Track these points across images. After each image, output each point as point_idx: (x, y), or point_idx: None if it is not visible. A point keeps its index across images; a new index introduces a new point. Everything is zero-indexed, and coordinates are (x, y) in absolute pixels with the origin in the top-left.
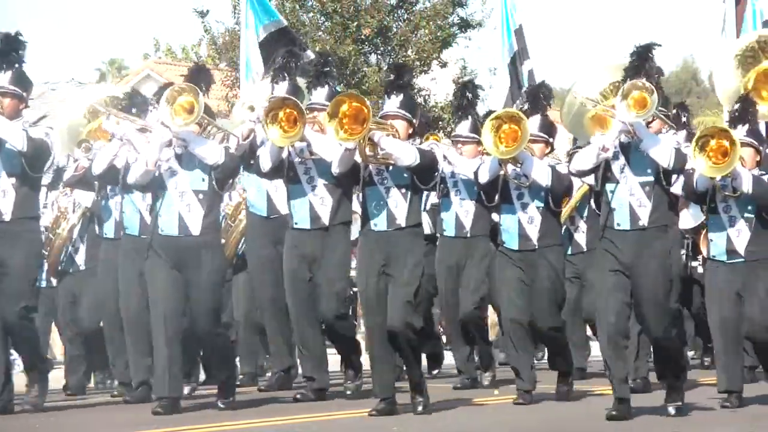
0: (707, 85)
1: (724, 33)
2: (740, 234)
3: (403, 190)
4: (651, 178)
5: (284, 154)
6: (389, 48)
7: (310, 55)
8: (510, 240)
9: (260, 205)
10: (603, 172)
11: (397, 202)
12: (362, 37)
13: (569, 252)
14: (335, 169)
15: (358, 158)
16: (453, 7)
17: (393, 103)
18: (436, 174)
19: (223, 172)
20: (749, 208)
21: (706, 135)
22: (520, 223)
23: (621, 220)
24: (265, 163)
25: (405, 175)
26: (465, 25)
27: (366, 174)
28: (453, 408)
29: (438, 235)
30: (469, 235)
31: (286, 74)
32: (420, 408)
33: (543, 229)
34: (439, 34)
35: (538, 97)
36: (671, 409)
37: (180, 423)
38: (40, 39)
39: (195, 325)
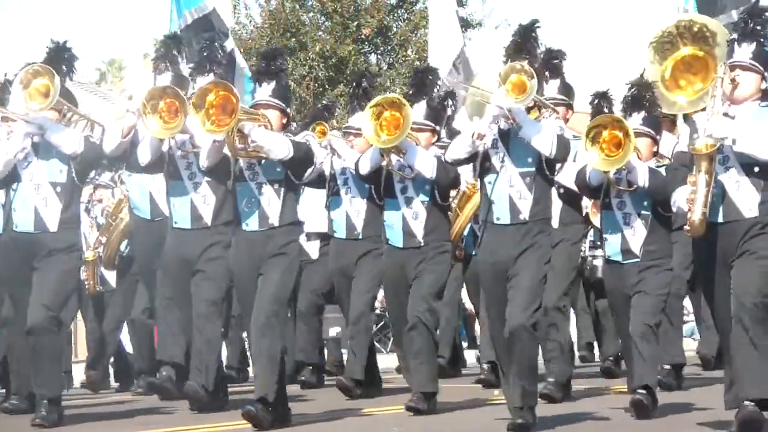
0: None
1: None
2: (636, 232)
3: (276, 186)
4: (532, 169)
5: (165, 148)
6: (389, 48)
7: (230, 44)
8: (394, 237)
9: (143, 207)
10: (482, 162)
11: (270, 200)
12: (362, 37)
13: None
14: (203, 163)
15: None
16: None
17: (264, 92)
18: (312, 168)
19: (81, 163)
20: (645, 204)
21: (598, 125)
22: (405, 219)
23: (501, 214)
24: (144, 156)
25: (278, 169)
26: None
27: (237, 169)
28: (452, 408)
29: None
30: (360, 236)
31: (208, 66)
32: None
33: (429, 226)
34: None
35: (424, 83)
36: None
37: (179, 423)
38: (40, 38)
39: (28, 317)
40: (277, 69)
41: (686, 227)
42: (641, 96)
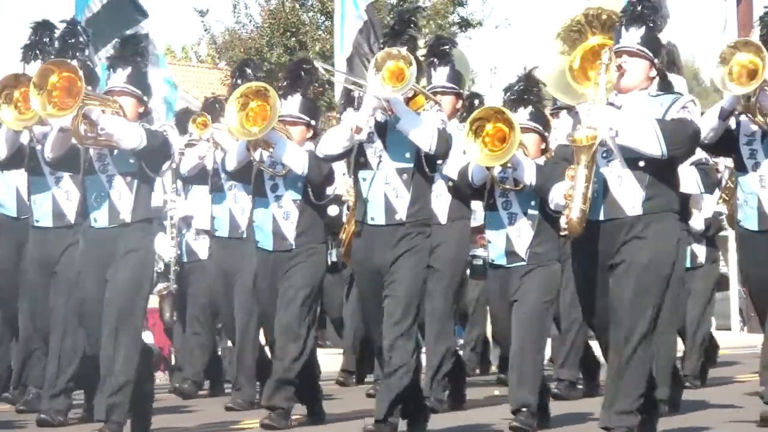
0: (708, 85)
1: (726, 32)
2: (521, 233)
3: (129, 179)
4: (410, 165)
5: (26, 140)
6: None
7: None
8: (263, 239)
9: (9, 204)
10: (356, 157)
11: (121, 194)
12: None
13: None
14: (47, 154)
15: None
16: (453, 6)
17: (119, 78)
18: (168, 160)
19: None
20: (532, 203)
21: (481, 118)
22: (275, 219)
23: (375, 214)
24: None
25: (131, 161)
26: (465, 24)
27: (86, 160)
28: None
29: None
30: (245, 235)
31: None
32: None
33: (301, 226)
34: (439, 33)
35: (299, 75)
36: None
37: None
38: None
39: None
40: (133, 54)
41: (563, 225)
42: (528, 91)
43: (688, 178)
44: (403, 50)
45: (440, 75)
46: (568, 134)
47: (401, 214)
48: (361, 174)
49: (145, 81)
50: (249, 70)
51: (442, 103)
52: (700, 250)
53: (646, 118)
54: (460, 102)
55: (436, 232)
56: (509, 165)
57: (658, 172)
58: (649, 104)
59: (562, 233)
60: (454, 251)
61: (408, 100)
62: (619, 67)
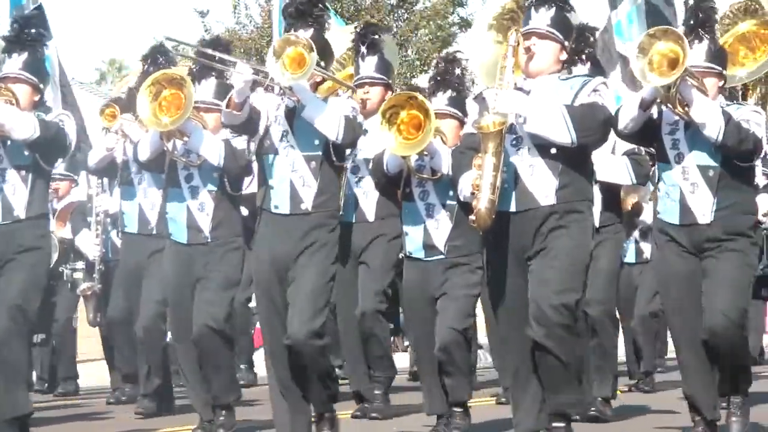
0: None
1: None
2: (440, 225)
3: (24, 173)
4: (318, 152)
5: None
6: None
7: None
8: (177, 232)
9: None
10: (260, 140)
11: (15, 188)
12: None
13: None
14: None
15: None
16: (453, 6)
17: (14, 64)
18: (65, 153)
19: None
20: (450, 193)
21: (394, 105)
22: (189, 211)
23: (279, 202)
24: None
25: (26, 153)
26: (465, 24)
27: None
28: None
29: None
30: (155, 231)
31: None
32: None
33: (217, 218)
34: (439, 33)
35: (213, 58)
36: None
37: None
38: None
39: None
40: (31, 39)
41: (471, 218)
42: (448, 73)
43: (620, 169)
44: (302, 35)
45: (368, 65)
46: (474, 121)
47: (307, 204)
48: (267, 159)
49: (42, 67)
50: (161, 58)
51: (370, 93)
52: (647, 247)
53: (554, 104)
54: (390, 93)
55: (364, 229)
56: (426, 153)
57: (571, 160)
58: (558, 88)
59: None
60: (383, 249)
61: (316, 86)
62: (528, 50)
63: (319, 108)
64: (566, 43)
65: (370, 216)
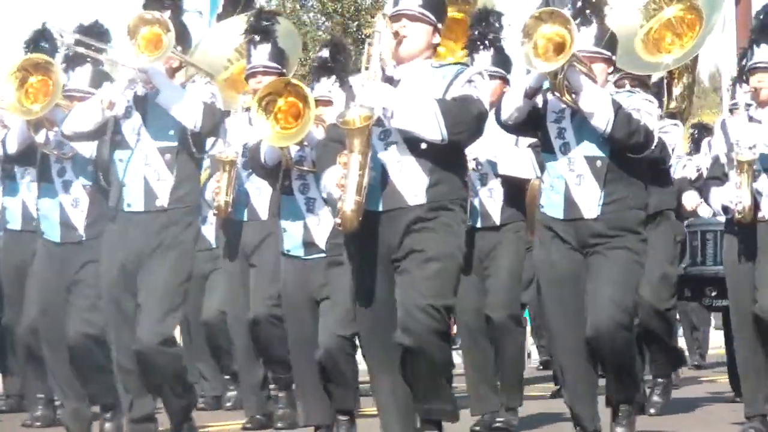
0: (707, 85)
1: (724, 31)
2: (321, 221)
3: None
4: (174, 143)
5: None
6: None
7: None
8: (50, 230)
9: None
10: (112, 135)
11: None
12: (362, 37)
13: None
14: None
15: None
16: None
17: None
18: None
19: None
20: None
21: (270, 93)
22: (62, 207)
23: (133, 199)
24: None
25: None
26: None
27: None
28: None
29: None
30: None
31: None
32: None
33: (93, 215)
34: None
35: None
36: None
37: None
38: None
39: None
40: None
41: (337, 219)
42: (333, 59)
43: (523, 162)
44: (159, 14)
45: (261, 53)
46: (339, 115)
47: (163, 200)
48: (118, 154)
49: None
50: (45, 44)
51: (263, 83)
52: None
53: (424, 97)
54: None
55: (256, 228)
56: (305, 143)
57: (442, 157)
58: (430, 77)
59: (337, 225)
60: (275, 249)
61: (174, 71)
62: (397, 34)
63: (176, 94)
64: (439, 26)
65: (263, 214)
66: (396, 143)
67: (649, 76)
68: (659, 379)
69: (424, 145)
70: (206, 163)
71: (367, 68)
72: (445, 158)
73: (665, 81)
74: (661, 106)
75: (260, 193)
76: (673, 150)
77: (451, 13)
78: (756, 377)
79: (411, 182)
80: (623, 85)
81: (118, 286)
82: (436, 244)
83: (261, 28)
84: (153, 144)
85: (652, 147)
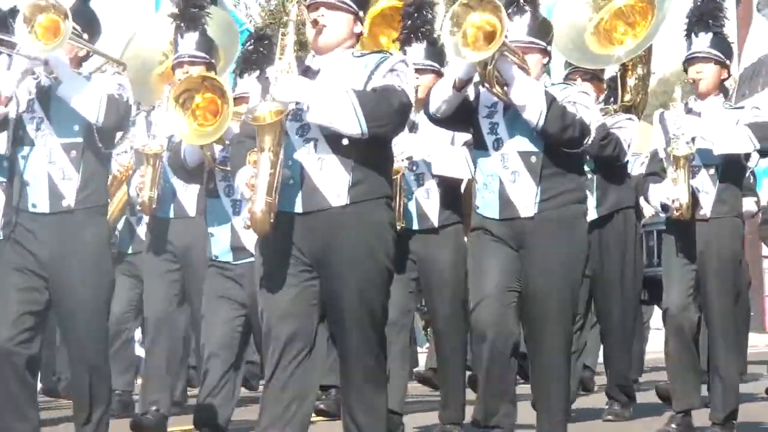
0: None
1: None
2: None
3: None
4: (79, 139)
5: None
6: None
7: None
8: None
9: None
10: (13, 130)
11: None
12: (362, 36)
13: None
14: None
15: None
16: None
17: None
18: None
19: None
20: None
21: (187, 89)
22: None
23: (38, 200)
24: None
25: None
26: None
27: None
28: None
29: None
30: None
31: None
32: None
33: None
34: None
35: None
36: None
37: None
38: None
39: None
40: None
41: (246, 222)
42: (256, 51)
43: (458, 162)
44: (55, 0)
45: (188, 42)
46: (248, 110)
47: (69, 200)
48: (20, 151)
49: None
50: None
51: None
52: None
53: (341, 89)
54: (213, 73)
55: (185, 226)
56: (228, 142)
57: (365, 153)
58: (351, 67)
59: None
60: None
61: (80, 60)
62: (315, 23)
63: (78, 85)
64: (361, 14)
65: (191, 210)
66: (315, 140)
67: (602, 70)
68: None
69: (345, 141)
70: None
71: (280, 59)
72: (368, 154)
73: (619, 73)
74: (615, 100)
75: (187, 188)
76: (629, 146)
77: (391, 1)
78: (685, 374)
79: (332, 181)
80: (574, 79)
81: (24, 286)
82: (360, 248)
83: (188, 15)
84: (56, 140)
85: (588, 141)
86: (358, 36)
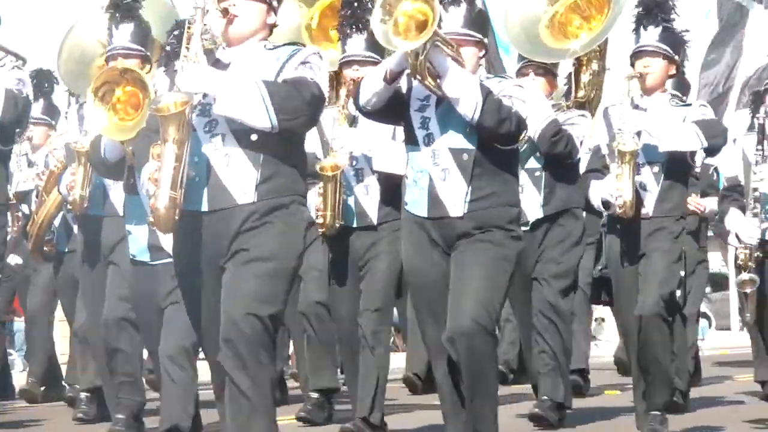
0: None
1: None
2: None
3: None
4: None
5: None
6: None
7: None
8: None
9: None
10: None
11: None
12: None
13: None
14: None
15: None
16: None
17: None
18: None
19: None
20: None
21: (107, 81)
22: None
23: None
24: None
25: None
26: None
27: None
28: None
29: None
30: None
31: None
32: None
33: None
34: None
35: None
36: None
37: None
38: (35, 40)
39: None
40: None
41: (149, 219)
42: (179, 41)
43: (399, 157)
44: None
45: (122, 34)
46: (153, 101)
47: None
48: None
49: None
50: None
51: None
52: None
53: (251, 80)
54: (148, 66)
55: (115, 224)
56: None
57: (276, 148)
58: (264, 59)
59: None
60: None
61: None
62: (225, 12)
63: None
64: (275, 4)
65: (122, 209)
66: (223, 134)
67: (556, 65)
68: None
69: (254, 136)
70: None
71: (187, 49)
72: (279, 150)
73: (573, 69)
74: (568, 95)
75: (118, 186)
76: (581, 143)
77: None
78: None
79: (239, 178)
80: (527, 74)
81: None
82: (266, 245)
83: (123, 6)
84: None
85: (524, 136)
86: (272, 27)
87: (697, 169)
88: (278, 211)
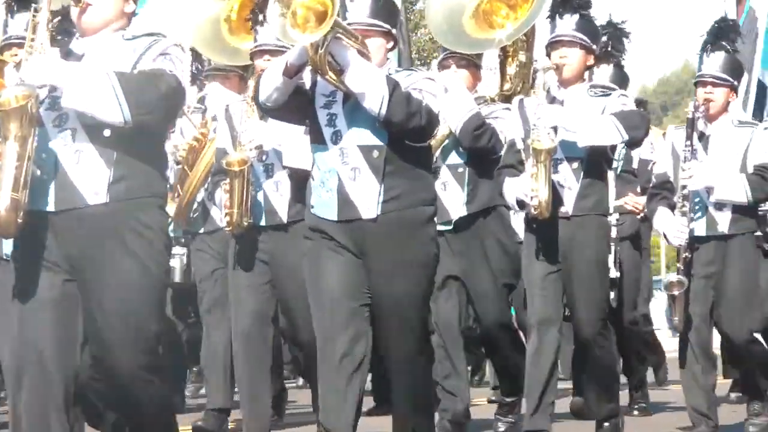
0: None
1: None
2: None
3: None
4: None
5: None
6: None
7: None
8: None
9: None
10: None
11: None
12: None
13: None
14: None
15: None
16: None
17: None
18: None
19: None
20: None
21: None
22: None
23: None
24: None
25: None
26: None
27: None
28: None
29: None
30: None
31: None
32: None
33: None
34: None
35: None
36: None
37: None
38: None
39: None
40: None
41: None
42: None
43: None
44: None
45: (18, 23)
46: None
47: None
48: None
49: None
50: None
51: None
52: None
53: (101, 71)
54: None
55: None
56: None
57: (131, 145)
58: (121, 50)
59: None
60: None
61: None
62: (78, 0)
63: None
64: None
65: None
66: (73, 129)
67: (479, 56)
68: (506, 399)
69: (107, 132)
70: None
71: (32, 39)
72: (135, 147)
73: (499, 60)
74: None
75: None
76: (505, 138)
77: None
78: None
79: (90, 177)
80: (448, 65)
81: None
82: (121, 255)
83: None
84: None
85: (437, 132)
86: (130, 16)
87: (635, 165)
88: (134, 216)
